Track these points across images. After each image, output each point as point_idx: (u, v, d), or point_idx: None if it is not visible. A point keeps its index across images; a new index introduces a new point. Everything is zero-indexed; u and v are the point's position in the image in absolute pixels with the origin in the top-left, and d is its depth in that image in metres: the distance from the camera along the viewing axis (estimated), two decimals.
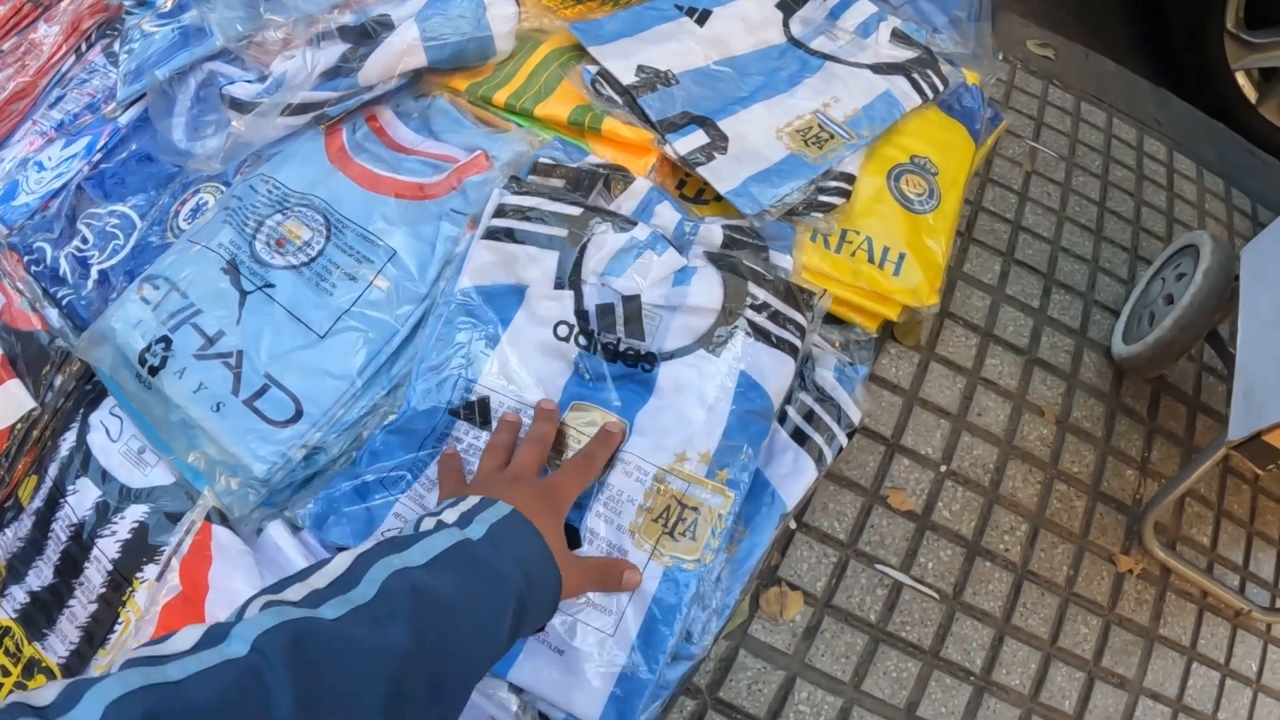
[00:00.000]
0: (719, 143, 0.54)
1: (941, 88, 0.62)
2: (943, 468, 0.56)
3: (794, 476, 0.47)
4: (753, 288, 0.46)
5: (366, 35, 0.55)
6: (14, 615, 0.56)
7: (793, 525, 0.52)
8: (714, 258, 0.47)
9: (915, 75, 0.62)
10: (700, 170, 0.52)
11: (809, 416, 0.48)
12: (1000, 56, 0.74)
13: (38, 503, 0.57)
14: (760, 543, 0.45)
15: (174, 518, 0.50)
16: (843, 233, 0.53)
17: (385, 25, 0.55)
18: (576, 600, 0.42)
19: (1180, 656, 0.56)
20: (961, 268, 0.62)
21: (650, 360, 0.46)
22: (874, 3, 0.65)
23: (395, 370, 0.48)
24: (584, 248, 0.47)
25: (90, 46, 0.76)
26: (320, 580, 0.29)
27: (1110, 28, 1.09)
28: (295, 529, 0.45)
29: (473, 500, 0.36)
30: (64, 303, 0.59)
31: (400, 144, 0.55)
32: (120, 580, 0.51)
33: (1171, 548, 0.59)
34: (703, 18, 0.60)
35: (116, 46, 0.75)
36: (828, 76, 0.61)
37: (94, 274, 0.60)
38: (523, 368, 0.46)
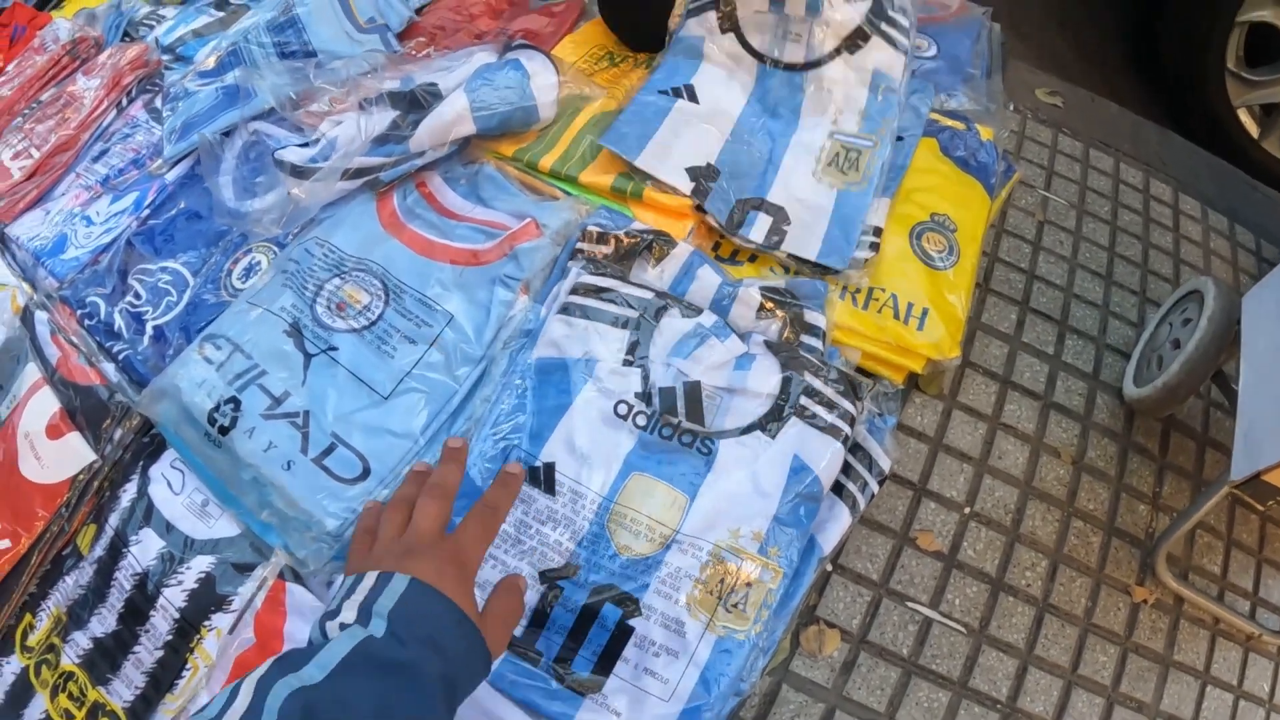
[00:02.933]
0: (781, 217, 0.59)
1: (907, 24, 0.65)
2: (967, 509, 0.61)
3: (831, 523, 0.52)
4: (808, 376, 0.51)
5: (416, 103, 0.60)
6: (78, 661, 0.59)
7: (829, 567, 0.56)
8: (772, 347, 0.52)
9: (883, 28, 0.63)
10: (785, 249, 0.57)
11: (844, 467, 0.53)
12: (1011, 107, 0.79)
13: (99, 551, 0.61)
14: (801, 585, 0.50)
15: (241, 569, 0.54)
16: (870, 290, 0.58)
17: (434, 94, 0.60)
18: (634, 666, 0.46)
19: (1195, 680, 0.61)
20: (980, 318, 0.67)
21: (709, 441, 0.50)
22: None
23: (455, 429, 0.52)
24: (653, 329, 0.52)
25: (131, 101, 0.81)
26: (232, 715, 0.28)
27: (1112, 66, 1.17)
28: None
29: (368, 583, 0.34)
30: (120, 357, 0.63)
31: (450, 210, 0.59)
32: (187, 628, 0.55)
33: (1184, 577, 0.64)
34: (690, 93, 0.63)
35: (159, 102, 0.79)
36: (817, 89, 0.64)
37: (149, 330, 0.64)
38: (586, 438, 0.50)
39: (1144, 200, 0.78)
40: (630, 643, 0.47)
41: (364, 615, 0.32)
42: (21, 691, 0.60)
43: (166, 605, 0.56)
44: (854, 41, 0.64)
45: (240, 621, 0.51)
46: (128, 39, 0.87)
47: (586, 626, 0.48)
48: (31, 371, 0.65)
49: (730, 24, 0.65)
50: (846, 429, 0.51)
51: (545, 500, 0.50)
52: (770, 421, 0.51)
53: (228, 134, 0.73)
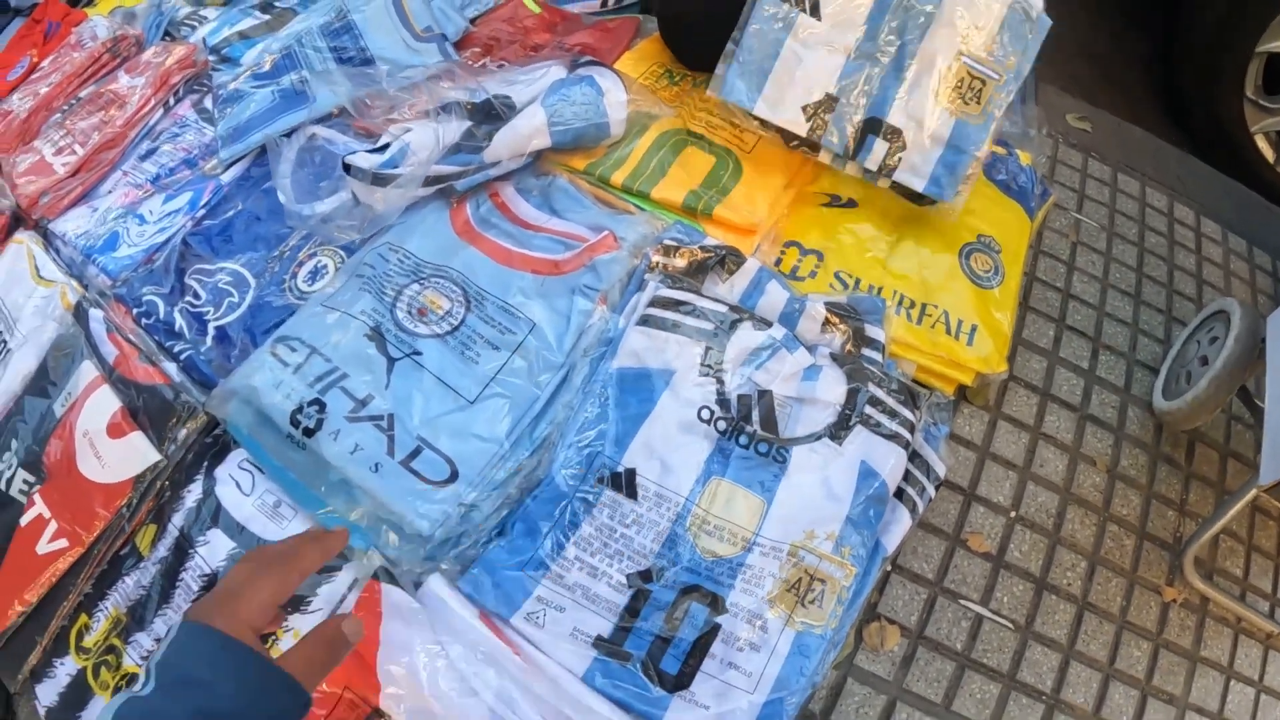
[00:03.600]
0: (896, 141, 0.61)
1: None
2: (1012, 514, 0.66)
3: (894, 525, 0.56)
4: (872, 387, 0.55)
5: (493, 115, 0.63)
6: (140, 662, 0.61)
7: (889, 567, 0.61)
8: (838, 359, 0.56)
9: None
10: (897, 178, 0.60)
11: (904, 474, 0.57)
12: (1045, 131, 0.85)
13: (163, 552, 0.63)
14: (867, 583, 0.54)
15: (320, 570, 0.56)
16: (923, 307, 0.63)
17: (509, 106, 0.63)
18: (720, 661, 0.50)
19: (1220, 675, 0.66)
20: (1021, 334, 0.72)
21: (784, 448, 0.54)
22: None
23: (537, 434, 0.55)
24: (727, 341, 0.56)
25: (179, 101, 0.83)
26: None
27: (1135, 93, 1.24)
28: (453, 581, 0.52)
29: (162, 648, 0.33)
30: (181, 357, 0.65)
31: (525, 220, 0.63)
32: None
33: (1209, 579, 0.69)
34: (812, 7, 0.60)
35: (207, 103, 0.81)
36: (951, 6, 0.60)
37: (211, 330, 0.66)
38: (666, 444, 0.53)
39: (1168, 223, 0.84)
40: (718, 639, 0.51)
41: (147, 674, 0.32)
42: (79, 693, 0.62)
43: None
44: None
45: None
46: (168, 38, 0.89)
47: (675, 626, 0.51)
48: (88, 369, 0.66)
49: None
50: (908, 436, 0.55)
51: (629, 505, 0.53)
52: (838, 430, 0.55)
53: (285, 137, 0.75)
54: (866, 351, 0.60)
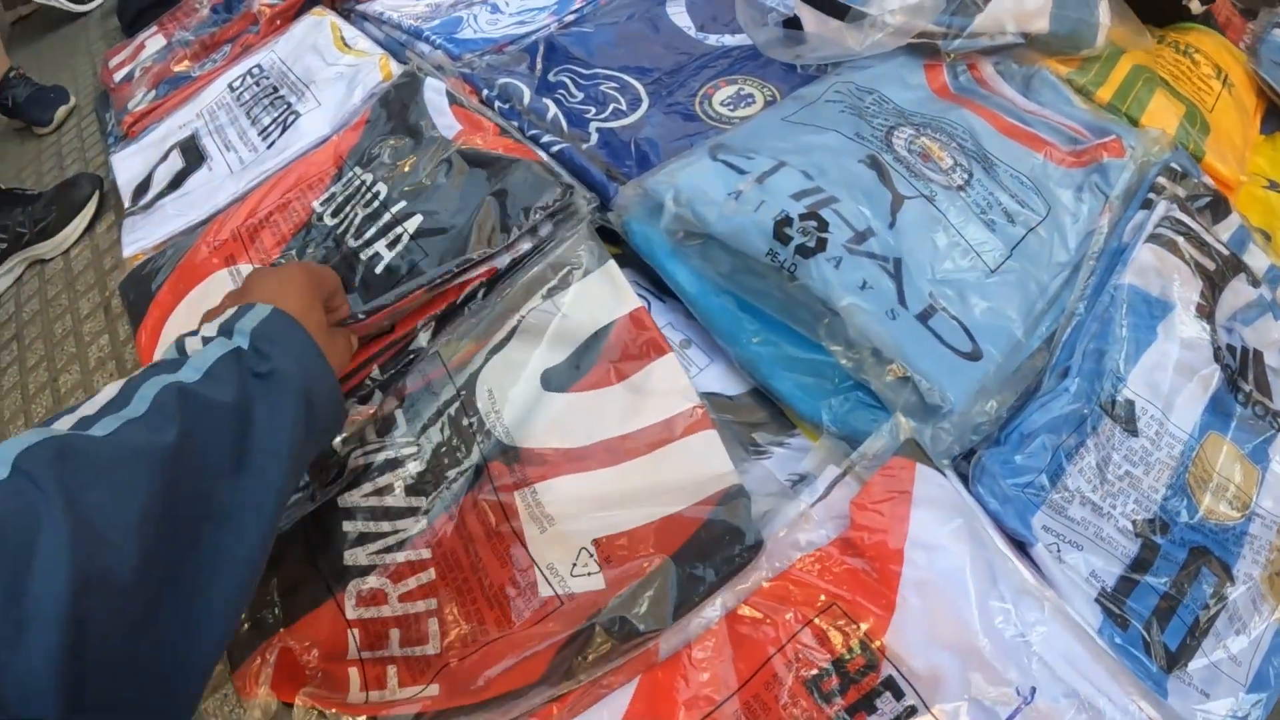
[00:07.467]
0: None
1: None
2: None
3: None
4: None
5: None
6: None
7: None
8: None
9: None
10: None
11: None
12: None
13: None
14: None
15: (752, 427, 0.41)
16: None
17: None
18: (1219, 642, 0.39)
19: None
20: None
21: (1276, 417, 0.45)
22: None
23: (1039, 331, 0.43)
24: (1224, 286, 0.47)
25: None
26: (90, 408, 0.27)
27: None
28: (962, 476, 0.39)
29: (230, 311, 0.33)
30: (553, 149, 0.50)
31: (1014, 100, 0.52)
32: None
33: None
34: None
35: None
36: None
37: (593, 129, 0.52)
38: (1168, 381, 0.43)
39: None
40: (1223, 614, 0.39)
41: (226, 331, 0.31)
42: None
43: None
44: None
45: (799, 517, 0.36)
46: None
47: (1183, 591, 0.39)
48: None
49: None
50: None
51: (1135, 441, 0.42)
52: None
53: None
54: None
